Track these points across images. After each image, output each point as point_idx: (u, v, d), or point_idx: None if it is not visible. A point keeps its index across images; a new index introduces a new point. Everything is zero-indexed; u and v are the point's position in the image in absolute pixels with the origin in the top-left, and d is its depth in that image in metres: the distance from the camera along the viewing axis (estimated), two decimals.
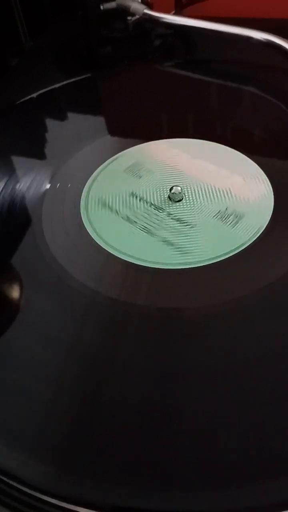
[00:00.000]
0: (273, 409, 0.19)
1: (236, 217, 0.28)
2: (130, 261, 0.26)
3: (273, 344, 0.22)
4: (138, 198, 0.30)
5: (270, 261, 0.25)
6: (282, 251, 0.26)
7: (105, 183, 0.32)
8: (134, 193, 0.31)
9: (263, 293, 0.24)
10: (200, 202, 0.29)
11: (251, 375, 0.21)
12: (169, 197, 0.30)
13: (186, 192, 0.30)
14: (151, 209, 0.29)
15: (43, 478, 0.18)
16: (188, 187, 0.30)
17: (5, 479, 0.18)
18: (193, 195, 0.30)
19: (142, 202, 0.30)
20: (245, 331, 0.22)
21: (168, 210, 0.29)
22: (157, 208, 0.29)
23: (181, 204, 0.29)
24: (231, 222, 0.28)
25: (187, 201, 0.29)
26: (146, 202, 0.30)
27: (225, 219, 0.28)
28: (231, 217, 0.28)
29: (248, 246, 0.26)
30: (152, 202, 0.30)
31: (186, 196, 0.30)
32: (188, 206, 0.29)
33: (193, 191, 0.30)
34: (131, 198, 0.30)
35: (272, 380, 0.20)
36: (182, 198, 0.29)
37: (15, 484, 0.18)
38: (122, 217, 0.29)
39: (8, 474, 0.18)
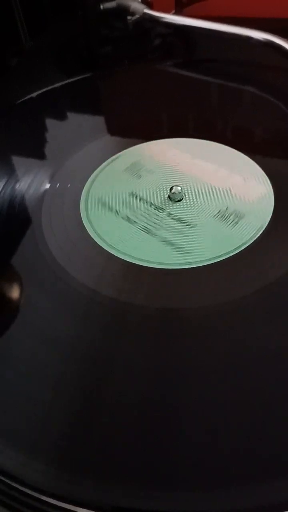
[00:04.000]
0: (273, 409, 0.19)
1: (236, 217, 0.28)
2: (130, 261, 0.26)
3: (273, 344, 0.22)
4: (138, 198, 0.30)
5: (270, 261, 0.25)
6: (282, 251, 0.26)
7: (105, 183, 0.32)
8: (134, 193, 0.30)
9: (263, 293, 0.24)
10: (201, 202, 0.29)
11: (251, 375, 0.21)
12: (169, 197, 0.29)
13: (186, 192, 0.30)
14: (151, 209, 0.29)
15: (43, 479, 0.18)
16: (188, 187, 0.30)
17: (5, 479, 0.18)
18: (193, 195, 0.30)
19: (142, 202, 0.30)
20: (245, 331, 0.22)
21: (168, 210, 0.29)
22: (157, 208, 0.29)
23: (181, 204, 0.29)
24: (231, 222, 0.27)
25: (187, 201, 0.29)
26: (146, 202, 0.30)
27: (225, 219, 0.28)
28: (231, 217, 0.28)
29: (248, 246, 0.26)
30: (152, 202, 0.30)
31: (186, 196, 0.30)
32: (188, 206, 0.29)
33: (193, 191, 0.30)
34: (131, 198, 0.30)
35: (272, 380, 0.20)
36: (182, 198, 0.29)
37: (15, 484, 0.18)
38: (122, 217, 0.29)
39: (8, 475, 0.18)
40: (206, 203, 0.29)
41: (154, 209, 0.29)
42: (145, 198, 0.30)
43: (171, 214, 0.29)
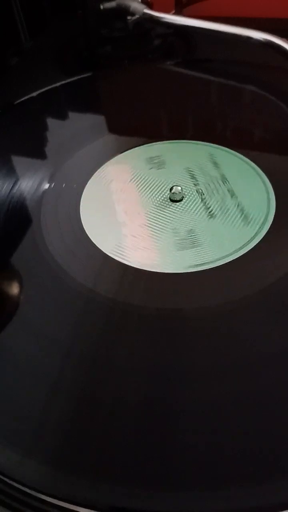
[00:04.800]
0: (273, 410, 0.19)
1: (237, 218, 0.28)
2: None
3: (273, 345, 0.22)
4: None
5: (271, 262, 0.25)
6: (283, 252, 0.26)
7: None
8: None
9: (264, 294, 0.24)
10: (200, 203, 0.29)
11: (252, 376, 0.21)
12: (169, 197, 0.29)
13: (185, 193, 0.30)
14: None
15: (42, 478, 0.18)
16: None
17: (2, 478, 0.18)
18: (192, 197, 0.30)
19: None
20: (245, 332, 0.22)
21: (168, 211, 0.29)
22: (157, 208, 0.29)
23: (180, 205, 0.29)
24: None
25: (186, 202, 0.29)
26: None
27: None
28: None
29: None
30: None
31: (186, 197, 0.30)
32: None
33: (191, 193, 0.30)
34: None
35: (272, 381, 0.20)
36: (183, 198, 0.29)
37: (13, 483, 0.18)
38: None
39: (6, 475, 0.18)
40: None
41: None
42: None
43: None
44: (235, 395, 0.20)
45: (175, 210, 0.29)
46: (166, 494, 0.18)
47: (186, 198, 0.29)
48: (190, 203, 0.29)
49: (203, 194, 0.30)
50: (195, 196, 0.30)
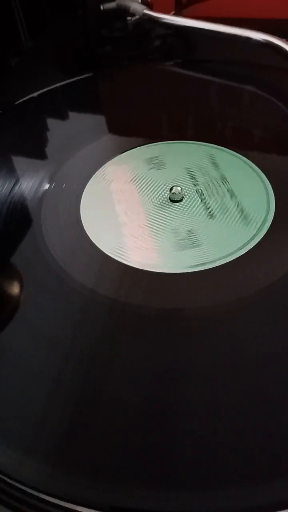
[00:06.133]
0: (273, 410, 0.20)
1: (237, 218, 0.28)
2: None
3: (273, 345, 0.22)
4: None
5: (271, 262, 0.25)
6: (283, 252, 0.26)
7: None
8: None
9: (264, 294, 0.24)
10: (200, 203, 0.29)
11: (251, 376, 0.21)
12: (169, 197, 0.29)
13: (185, 193, 0.30)
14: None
15: (41, 478, 0.18)
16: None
17: (2, 477, 0.18)
18: (191, 198, 0.30)
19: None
20: (245, 332, 0.22)
21: (168, 211, 0.29)
22: (157, 208, 0.29)
23: (180, 205, 0.29)
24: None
25: (185, 203, 0.29)
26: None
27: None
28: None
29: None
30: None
31: (186, 198, 0.30)
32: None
33: (190, 193, 0.30)
34: None
35: (272, 381, 0.20)
36: (182, 198, 0.29)
37: (12, 482, 0.18)
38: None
39: (6, 474, 0.18)
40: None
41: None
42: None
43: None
44: (235, 395, 0.20)
45: (175, 210, 0.29)
46: (166, 494, 0.18)
47: (186, 198, 0.29)
48: (190, 203, 0.29)
49: (203, 194, 0.30)
50: (195, 196, 0.30)
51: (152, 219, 0.28)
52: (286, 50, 0.38)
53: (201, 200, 0.29)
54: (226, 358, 0.21)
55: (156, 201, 0.30)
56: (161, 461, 0.18)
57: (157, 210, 0.29)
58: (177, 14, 0.52)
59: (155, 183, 0.31)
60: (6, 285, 0.26)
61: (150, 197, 0.30)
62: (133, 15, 0.45)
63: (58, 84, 0.42)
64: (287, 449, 0.18)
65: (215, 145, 0.33)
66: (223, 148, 0.33)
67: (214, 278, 0.25)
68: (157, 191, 0.30)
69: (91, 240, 0.27)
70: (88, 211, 0.29)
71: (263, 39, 0.39)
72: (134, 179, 0.31)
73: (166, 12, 0.46)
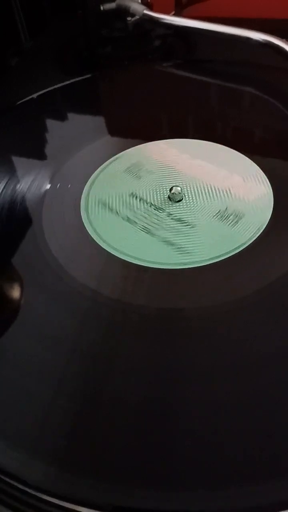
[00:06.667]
0: (273, 410, 0.20)
1: (236, 217, 0.28)
2: (130, 261, 0.26)
3: (273, 344, 0.22)
4: (138, 199, 0.30)
5: (270, 261, 0.25)
6: (282, 251, 0.26)
7: (105, 183, 0.32)
8: (134, 193, 0.31)
9: (263, 293, 0.24)
10: (200, 202, 0.29)
11: (251, 375, 0.21)
12: (169, 197, 0.30)
13: (186, 192, 0.30)
14: (151, 210, 0.29)
15: (43, 478, 0.18)
16: (188, 187, 0.30)
17: (5, 478, 0.18)
18: (193, 195, 0.30)
19: (142, 203, 0.30)
20: (245, 331, 0.22)
21: (168, 210, 0.29)
22: (157, 208, 0.29)
23: (181, 204, 0.29)
24: (231, 222, 0.28)
25: (187, 201, 0.29)
26: (146, 203, 0.30)
27: (225, 219, 0.28)
28: (231, 217, 0.28)
29: (248, 246, 0.26)
30: (152, 203, 0.30)
31: (186, 196, 0.30)
32: (188, 206, 0.29)
33: (193, 191, 0.30)
34: (131, 198, 0.30)
35: (272, 380, 0.20)
36: (182, 198, 0.29)
37: (16, 483, 0.18)
38: (122, 218, 0.29)
39: (9, 474, 0.18)
40: (206, 203, 0.29)
41: (154, 209, 0.29)
42: (145, 198, 0.30)
43: (171, 214, 0.29)
44: (235, 395, 0.20)
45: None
46: (166, 494, 0.18)
47: (185, 198, 0.29)
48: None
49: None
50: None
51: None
52: (286, 50, 0.38)
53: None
54: (226, 358, 0.21)
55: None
56: (161, 461, 0.19)
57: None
58: (177, 14, 0.52)
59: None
60: (7, 286, 0.26)
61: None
62: (133, 15, 0.45)
63: (58, 85, 0.42)
64: (287, 449, 0.18)
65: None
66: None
67: (214, 278, 0.25)
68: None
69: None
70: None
71: (263, 39, 0.39)
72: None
73: (166, 12, 0.46)
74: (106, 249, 0.27)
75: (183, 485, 0.18)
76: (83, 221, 0.29)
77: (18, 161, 0.34)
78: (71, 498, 0.18)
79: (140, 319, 0.24)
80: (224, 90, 0.41)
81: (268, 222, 0.27)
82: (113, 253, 0.26)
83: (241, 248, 0.26)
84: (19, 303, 0.25)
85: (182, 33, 0.47)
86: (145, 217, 0.29)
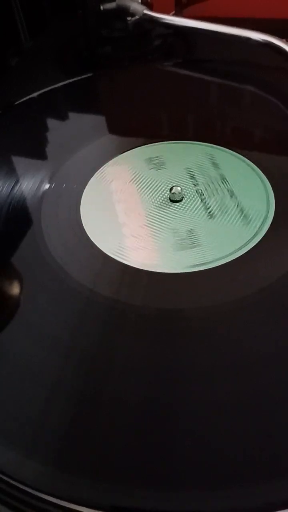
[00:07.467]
0: (273, 410, 0.20)
1: (236, 218, 0.28)
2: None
3: (273, 344, 0.22)
4: None
5: (271, 261, 0.25)
6: (283, 252, 0.26)
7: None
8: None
9: (264, 294, 0.24)
10: (200, 204, 0.29)
11: (251, 375, 0.21)
12: (169, 197, 0.30)
13: (185, 193, 0.30)
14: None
15: (42, 478, 0.18)
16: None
17: (3, 477, 0.18)
18: (192, 198, 0.30)
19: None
20: (245, 332, 0.22)
21: (168, 211, 0.29)
22: (157, 208, 0.29)
23: (179, 205, 0.29)
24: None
25: (185, 203, 0.29)
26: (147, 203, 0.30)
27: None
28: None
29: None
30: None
31: (186, 198, 0.30)
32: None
33: (191, 193, 0.30)
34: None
35: (272, 380, 0.20)
36: (182, 198, 0.29)
37: (14, 483, 0.18)
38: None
39: (7, 474, 0.18)
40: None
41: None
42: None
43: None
44: (235, 395, 0.20)
45: (175, 210, 0.29)
46: (166, 494, 0.18)
47: (186, 199, 0.29)
48: (190, 203, 0.29)
49: (203, 194, 0.30)
50: (195, 197, 0.30)
51: (152, 219, 0.28)
52: (286, 50, 0.38)
53: (201, 200, 0.29)
54: (226, 358, 0.21)
55: (156, 201, 0.30)
56: (161, 461, 0.18)
57: (157, 210, 0.29)
58: (177, 14, 0.52)
59: (155, 183, 0.31)
60: (6, 285, 0.26)
61: (150, 197, 0.30)
62: (133, 15, 0.45)
63: (58, 84, 0.42)
64: (287, 449, 0.18)
65: (215, 145, 0.33)
66: (223, 148, 0.33)
67: (214, 278, 0.25)
68: (157, 191, 0.30)
69: (91, 240, 0.27)
70: (88, 211, 0.29)
71: (263, 39, 0.39)
72: (134, 179, 0.31)
73: (166, 12, 0.46)
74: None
75: (183, 485, 0.18)
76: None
77: (18, 161, 0.34)
78: (69, 497, 0.18)
79: (140, 319, 0.23)
80: (224, 90, 0.41)
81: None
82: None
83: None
84: (18, 303, 0.25)
85: (182, 32, 0.47)
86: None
